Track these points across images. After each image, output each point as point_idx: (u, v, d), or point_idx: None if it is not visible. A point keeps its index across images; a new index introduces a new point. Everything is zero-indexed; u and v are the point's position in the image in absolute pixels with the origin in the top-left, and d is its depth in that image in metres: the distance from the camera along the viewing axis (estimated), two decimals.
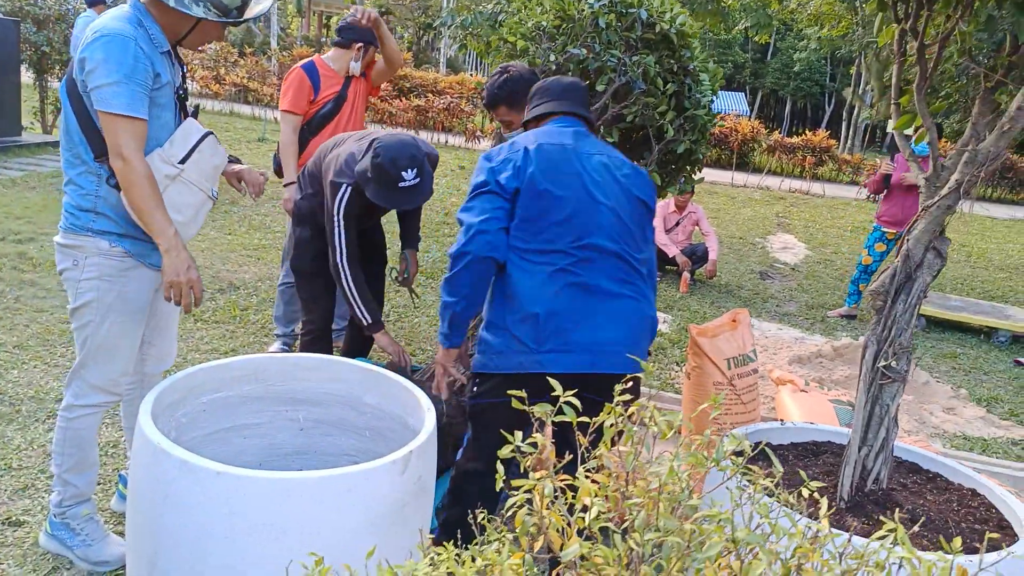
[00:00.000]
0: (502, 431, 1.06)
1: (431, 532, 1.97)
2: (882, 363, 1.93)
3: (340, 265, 2.89)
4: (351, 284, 2.89)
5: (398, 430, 2.02)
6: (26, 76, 8.91)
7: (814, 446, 2.25)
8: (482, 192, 2.02)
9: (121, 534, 2.27)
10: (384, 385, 2.06)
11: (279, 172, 3.80)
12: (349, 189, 2.84)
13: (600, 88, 3.13)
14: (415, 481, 1.65)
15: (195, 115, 2.17)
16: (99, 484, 2.40)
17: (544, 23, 3.28)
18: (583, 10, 3.23)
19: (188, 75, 2.18)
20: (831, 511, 0.92)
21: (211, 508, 1.48)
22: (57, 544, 2.19)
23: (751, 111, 37.51)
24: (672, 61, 3.33)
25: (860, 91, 23.68)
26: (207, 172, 2.12)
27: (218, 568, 1.50)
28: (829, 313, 6.11)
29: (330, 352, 3.37)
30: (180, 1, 1.92)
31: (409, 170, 2.72)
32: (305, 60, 3.75)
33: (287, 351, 3.79)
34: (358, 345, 3.28)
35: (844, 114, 31.07)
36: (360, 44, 3.65)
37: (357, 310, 2.92)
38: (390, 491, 1.58)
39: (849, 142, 29.26)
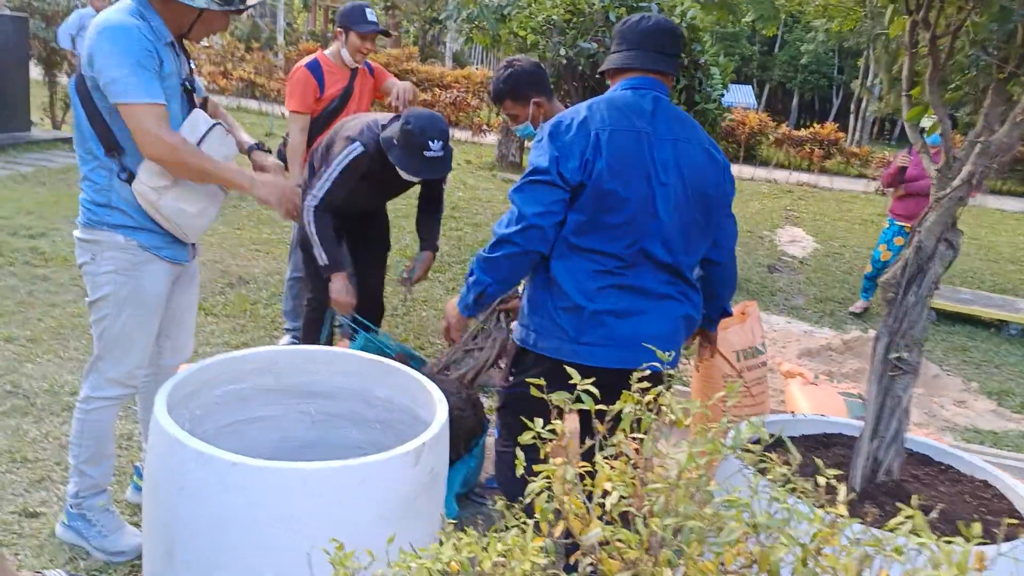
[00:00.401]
0: (525, 420, 1.06)
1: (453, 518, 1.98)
2: (894, 355, 1.93)
3: (310, 209, 2.84)
4: (313, 227, 2.85)
5: (408, 422, 2.03)
6: (35, 72, 8.95)
7: (825, 438, 2.25)
8: (542, 182, 1.88)
9: (136, 525, 2.30)
10: (395, 378, 2.07)
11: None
12: (360, 149, 2.84)
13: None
14: (427, 473, 1.66)
15: (203, 107, 2.17)
16: (114, 476, 2.43)
17: (554, 17, 3.28)
18: (593, 4, 3.23)
19: (196, 70, 2.20)
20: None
21: (227, 499, 1.50)
22: (73, 535, 2.22)
23: (758, 104, 37.31)
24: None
25: (868, 83, 23.51)
26: None
27: (234, 558, 1.52)
28: (852, 308, 5.98)
29: (331, 329, 3.37)
30: None
31: (436, 141, 2.75)
32: (309, 58, 3.72)
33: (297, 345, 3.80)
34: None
35: (852, 107, 30.87)
36: (340, 29, 3.64)
37: (315, 248, 2.87)
38: (403, 483, 1.60)
39: (857, 135, 29.06)
